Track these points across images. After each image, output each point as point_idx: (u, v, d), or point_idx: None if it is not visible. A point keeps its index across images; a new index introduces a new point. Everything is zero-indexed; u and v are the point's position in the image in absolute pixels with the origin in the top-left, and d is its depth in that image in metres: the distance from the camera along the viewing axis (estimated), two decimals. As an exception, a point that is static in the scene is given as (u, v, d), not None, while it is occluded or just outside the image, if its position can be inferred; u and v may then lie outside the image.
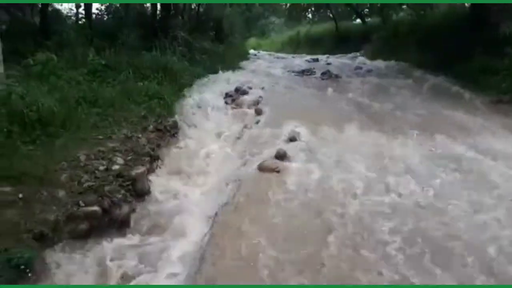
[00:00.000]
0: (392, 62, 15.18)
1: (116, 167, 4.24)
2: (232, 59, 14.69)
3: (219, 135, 6.15)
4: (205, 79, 10.64)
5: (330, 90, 8.96)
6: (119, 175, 4.13)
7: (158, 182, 4.34)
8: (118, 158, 4.48)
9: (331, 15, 27.61)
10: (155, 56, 9.48)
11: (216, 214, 3.45)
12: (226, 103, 8.54)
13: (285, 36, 32.40)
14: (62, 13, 12.75)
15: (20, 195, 3.40)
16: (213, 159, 4.75)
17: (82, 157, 4.35)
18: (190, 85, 9.44)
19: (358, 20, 26.45)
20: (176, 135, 6.51)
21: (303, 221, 3.41)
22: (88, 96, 6.54)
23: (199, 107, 7.86)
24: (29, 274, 2.83)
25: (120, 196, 3.83)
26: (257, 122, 6.09)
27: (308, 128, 5.54)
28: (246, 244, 2.99)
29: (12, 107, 4.71)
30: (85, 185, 3.82)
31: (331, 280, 2.65)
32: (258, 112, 6.69)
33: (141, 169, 4.30)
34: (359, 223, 3.39)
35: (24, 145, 4.40)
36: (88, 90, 6.73)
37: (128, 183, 4.10)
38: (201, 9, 16.08)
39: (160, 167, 4.79)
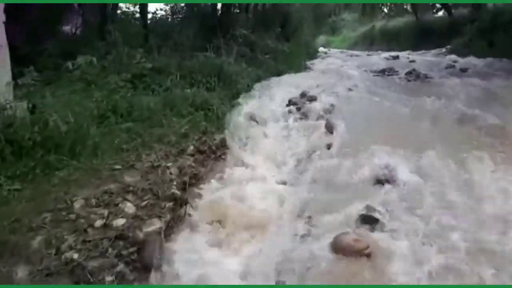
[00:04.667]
0: (490, 59, 12.73)
1: (119, 222, 2.89)
2: (299, 58, 13.14)
3: (276, 161, 4.60)
4: (267, 82, 9.18)
5: (423, 95, 6.96)
6: (120, 236, 2.77)
7: (177, 248, 2.89)
8: (128, 204, 3.14)
9: (409, 8, 24.85)
10: (209, 57, 8.22)
11: None
12: (289, 112, 6.99)
13: (358, 32, 30.15)
14: (117, 13, 12.00)
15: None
16: (262, 213, 3.20)
17: (78, 204, 3.07)
18: (248, 90, 8.05)
19: (440, 13, 23.53)
20: (223, 157, 5.11)
21: None
22: (120, 107, 5.37)
23: (256, 118, 6.38)
24: None
25: (111, 278, 2.45)
26: (329, 147, 4.43)
27: (406, 159, 3.69)
28: None
29: (3, 125, 3.58)
30: (63, 257, 2.51)
31: None
32: (330, 129, 5.03)
33: (154, 227, 2.91)
34: None
35: (9, 182, 3.25)
36: (122, 100, 5.56)
37: (131, 250, 2.73)
38: (267, 5, 14.66)
39: (188, 215, 3.35)
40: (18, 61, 6.80)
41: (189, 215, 3.38)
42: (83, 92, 5.85)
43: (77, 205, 3.05)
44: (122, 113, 5.31)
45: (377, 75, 10.80)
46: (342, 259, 2.43)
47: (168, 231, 3.07)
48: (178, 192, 3.42)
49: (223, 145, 5.35)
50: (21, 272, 2.35)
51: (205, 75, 7.57)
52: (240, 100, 7.35)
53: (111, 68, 7.12)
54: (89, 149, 4.08)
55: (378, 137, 4.34)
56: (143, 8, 10.83)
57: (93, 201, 3.13)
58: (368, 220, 2.82)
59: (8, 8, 7.88)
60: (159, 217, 3.05)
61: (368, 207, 2.89)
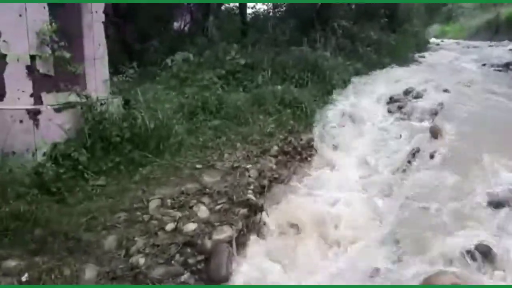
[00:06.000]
0: None
1: (190, 227, 2.78)
2: (406, 51, 12.01)
3: (369, 167, 4.11)
4: (366, 77, 8.51)
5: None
6: (188, 243, 2.64)
7: (248, 262, 2.66)
8: (202, 207, 3.03)
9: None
10: (304, 51, 7.85)
11: None
12: (389, 111, 6.36)
13: (478, 20, 26.69)
14: (221, 9, 12.27)
15: (25, 277, 2.24)
16: (344, 231, 2.80)
17: (153, 204, 3.05)
18: (344, 86, 7.51)
19: None
20: (309, 159, 4.80)
21: None
22: (210, 104, 5.37)
23: (350, 117, 5.90)
24: None
25: (173, 289, 2.33)
26: (432, 155, 3.79)
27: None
28: None
29: (95, 121, 3.73)
30: (130, 261, 2.46)
31: None
32: (436, 133, 4.34)
33: (224, 234, 2.73)
34: None
35: (95, 177, 3.37)
36: (213, 97, 5.55)
37: (199, 258, 2.59)
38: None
39: (263, 223, 3.12)
40: (128, 58, 7.33)
41: (264, 223, 3.15)
42: (177, 88, 6.03)
43: (152, 205, 3.03)
44: (211, 110, 5.31)
45: (498, 70, 9.31)
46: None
47: (240, 239, 2.87)
48: (254, 198, 3.21)
49: (310, 145, 5.04)
50: (90, 272, 2.35)
51: (299, 70, 7.25)
52: (334, 96, 6.89)
53: (206, 64, 7.23)
54: (174, 147, 4.10)
55: (496, 147, 3.56)
56: (242, 4, 10.90)
57: (169, 201, 3.09)
58: (476, 256, 2.23)
59: (121, 9, 8.56)
60: (231, 224, 2.87)
61: (478, 240, 2.28)
